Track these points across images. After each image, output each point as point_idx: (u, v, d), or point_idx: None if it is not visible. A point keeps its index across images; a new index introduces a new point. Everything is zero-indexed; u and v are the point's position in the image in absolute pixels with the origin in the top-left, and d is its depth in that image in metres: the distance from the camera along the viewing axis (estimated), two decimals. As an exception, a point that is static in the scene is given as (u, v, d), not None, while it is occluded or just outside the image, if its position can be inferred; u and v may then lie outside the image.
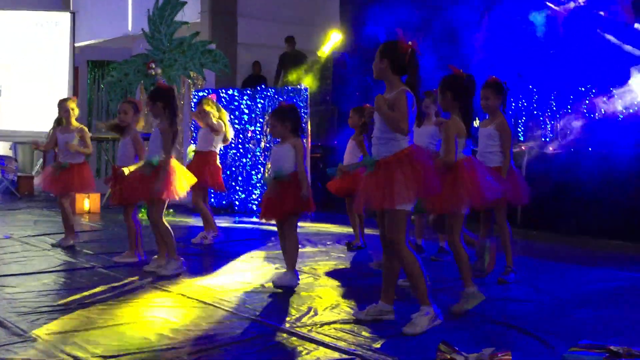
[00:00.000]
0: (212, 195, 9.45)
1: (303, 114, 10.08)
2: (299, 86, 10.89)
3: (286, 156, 5.63)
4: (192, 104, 11.04)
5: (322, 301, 5.30)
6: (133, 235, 6.73)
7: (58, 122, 7.71)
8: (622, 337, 4.34)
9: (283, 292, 5.53)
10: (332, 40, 13.53)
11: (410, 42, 4.44)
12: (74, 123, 7.52)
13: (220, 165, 8.09)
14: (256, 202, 10.73)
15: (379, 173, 4.44)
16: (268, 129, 5.92)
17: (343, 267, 6.64)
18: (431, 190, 4.49)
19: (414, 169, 4.38)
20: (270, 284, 5.71)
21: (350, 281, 6.05)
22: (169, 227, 6.21)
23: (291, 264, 5.69)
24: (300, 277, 5.94)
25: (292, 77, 13.98)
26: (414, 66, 4.46)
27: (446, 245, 6.92)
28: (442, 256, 6.86)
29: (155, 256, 6.42)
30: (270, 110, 10.49)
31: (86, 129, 7.53)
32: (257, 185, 10.79)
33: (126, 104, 6.93)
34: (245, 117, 10.83)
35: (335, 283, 5.99)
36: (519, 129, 9.70)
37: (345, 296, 5.53)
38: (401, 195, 4.34)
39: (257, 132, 10.76)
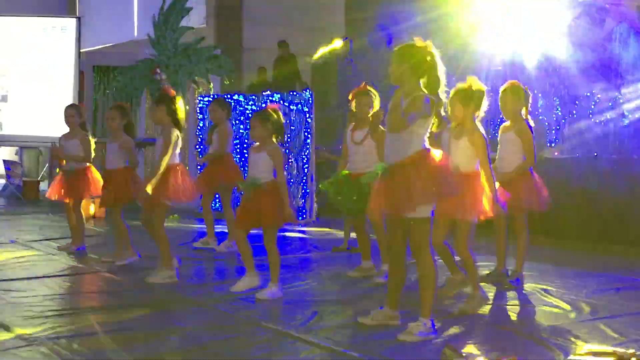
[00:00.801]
0: (216, 200, 9.43)
1: (308, 119, 10.09)
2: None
3: (262, 164, 5.39)
4: (197, 109, 11.05)
5: (327, 306, 5.29)
6: (127, 235, 6.81)
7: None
8: (628, 342, 4.32)
9: (287, 297, 5.50)
10: (333, 45, 13.55)
11: (426, 43, 4.39)
12: (76, 129, 7.53)
13: (236, 165, 8.06)
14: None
15: (394, 177, 4.36)
16: (250, 131, 5.62)
17: (347, 271, 6.63)
18: (450, 193, 4.45)
19: (431, 172, 4.32)
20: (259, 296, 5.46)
21: (354, 285, 6.03)
22: (166, 235, 6.14)
23: (274, 277, 5.48)
24: (304, 281, 5.94)
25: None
26: (434, 68, 4.39)
27: (470, 251, 6.89)
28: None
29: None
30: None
31: (88, 136, 7.53)
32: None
33: (113, 110, 7.00)
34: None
35: (340, 287, 5.98)
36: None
37: (349, 301, 5.52)
38: (420, 199, 4.29)
39: (262, 137, 10.77)
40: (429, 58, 4.36)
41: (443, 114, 5.55)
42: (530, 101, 5.97)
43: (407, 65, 4.37)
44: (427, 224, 4.39)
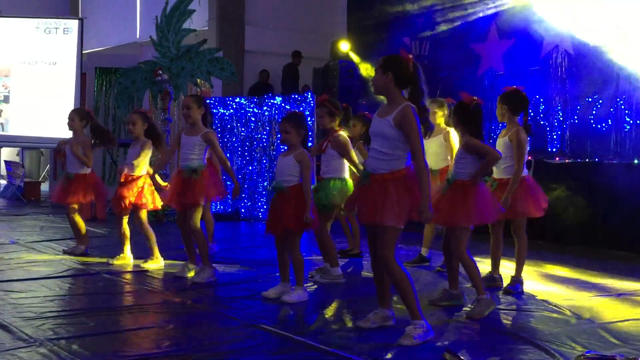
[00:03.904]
0: (218, 202, 9.44)
1: (309, 122, 10.09)
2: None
3: (290, 168, 5.40)
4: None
5: (327, 309, 5.30)
6: (154, 239, 6.84)
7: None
8: (628, 348, 4.32)
9: (288, 300, 5.51)
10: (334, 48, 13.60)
11: (410, 55, 4.45)
12: (79, 133, 7.56)
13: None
14: (262, 210, 10.74)
15: (373, 187, 4.41)
16: (283, 136, 5.61)
17: (348, 274, 6.62)
18: (425, 213, 4.43)
19: (409, 191, 4.34)
20: (270, 294, 5.59)
21: (354, 289, 6.04)
22: (204, 234, 6.28)
23: (299, 280, 5.54)
24: (304, 284, 5.93)
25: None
26: (417, 78, 4.45)
27: (470, 256, 6.89)
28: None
29: (189, 264, 6.43)
30: (277, 118, 10.50)
31: (88, 140, 7.52)
32: (263, 192, 10.79)
33: (135, 114, 6.96)
34: (252, 124, 10.85)
35: (340, 291, 5.98)
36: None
37: (350, 304, 5.52)
38: (392, 212, 4.30)
39: (264, 140, 10.78)
40: (412, 69, 4.41)
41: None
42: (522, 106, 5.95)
43: (391, 75, 4.40)
44: (394, 234, 4.38)
